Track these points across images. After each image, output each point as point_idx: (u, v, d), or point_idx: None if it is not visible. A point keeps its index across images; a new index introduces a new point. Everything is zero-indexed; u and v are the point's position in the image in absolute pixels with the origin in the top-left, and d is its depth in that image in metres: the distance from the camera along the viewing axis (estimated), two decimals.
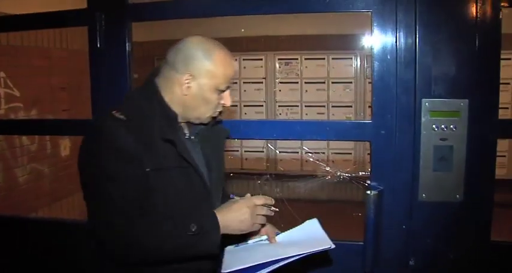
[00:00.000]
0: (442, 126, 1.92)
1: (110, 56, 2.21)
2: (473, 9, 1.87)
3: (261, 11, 2.12)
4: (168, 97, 1.66)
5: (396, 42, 1.94)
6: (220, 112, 1.76)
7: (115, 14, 2.22)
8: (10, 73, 4.54)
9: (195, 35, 1.69)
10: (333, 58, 6.33)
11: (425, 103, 1.93)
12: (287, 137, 2.17)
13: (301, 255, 1.61)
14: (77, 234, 2.13)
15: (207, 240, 1.57)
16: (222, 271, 1.60)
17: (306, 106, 6.51)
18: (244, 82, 6.64)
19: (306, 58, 6.44)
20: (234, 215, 1.63)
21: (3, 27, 2.77)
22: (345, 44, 5.87)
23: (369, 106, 5.58)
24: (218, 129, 1.87)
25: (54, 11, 2.35)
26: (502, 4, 1.86)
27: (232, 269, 1.58)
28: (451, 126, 1.91)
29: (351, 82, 6.32)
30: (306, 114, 6.49)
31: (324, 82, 6.41)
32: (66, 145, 5.22)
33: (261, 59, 6.58)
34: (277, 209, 1.71)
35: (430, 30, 1.91)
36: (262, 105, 6.64)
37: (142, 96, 1.66)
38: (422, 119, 1.93)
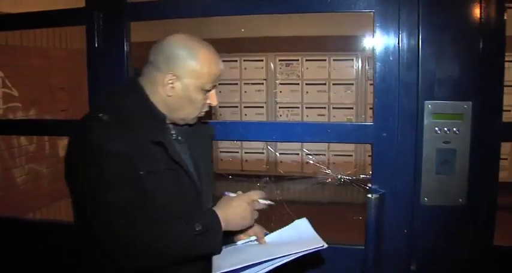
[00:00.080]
0: (445, 129, 1.89)
1: (108, 56, 2.18)
2: (477, 10, 1.84)
3: (261, 11, 2.09)
4: (152, 98, 1.62)
5: (399, 43, 1.91)
6: (211, 111, 1.73)
7: (113, 13, 2.19)
8: (9, 73, 4.53)
9: (178, 33, 1.65)
10: (334, 60, 6.31)
11: (428, 105, 1.90)
12: (287, 139, 2.14)
13: (293, 255, 1.58)
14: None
15: (211, 239, 1.57)
16: None
17: (306, 107, 6.49)
18: (244, 83, 6.63)
19: (307, 60, 6.42)
20: (235, 211, 1.63)
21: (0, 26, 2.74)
22: (346, 45, 5.85)
23: (370, 108, 5.55)
24: (203, 128, 1.85)
25: (51, 10, 2.32)
26: (507, 5, 1.83)
27: (223, 271, 1.55)
28: (454, 129, 1.88)
29: (352, 84, 6.29)
30: (307, 116, 6.46)
31: (325, 84, 6.39)
32: (64, 146, 5.18)
33: (262, 60, 6.56)
34: (273, 203, 1.70)
35: (433, 31, 1.89)
36: (262, 106, 6.62)
37: (129, 97, 1.62)
38: (425, 121, 1.90)
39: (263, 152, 6.39)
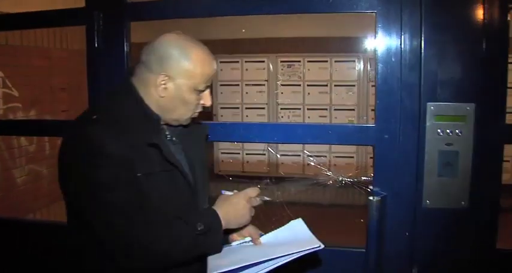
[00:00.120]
0: (448, 131, 1.87)
1: (108, 56, 2.16)
2: (480, 11, 1.82)
3: (261, 11, 2.07)
4: (145, 99, 1.60)
5: (401, 44, 1.89)
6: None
7: (113, 13, 2.17)
8: (9, 73, 4.53)
9: (170, 32, 1.62)
10: (335, 61, 6.32)
11: (431, 107, 1.88)
12: (288, 141, 2.12)
13: (289, 256, 1.56)
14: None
15: (213, 239, 1.57)
16: None
17: (308, 109, 6.49)
18: (246, 85, 6.63)
19: (308, 61, 6.43)
20: (234, 209, 1.64)
21: None
22: (348, 46, 5.85)
23: (372, 110, 5.55)
24: (198, 128, 1.83)
25: (51, 10, 2.30)
26: (510, 5, 1.81)
27: (218, 272, 1.52)
28: (457, 131, 1.86)
29: (353, 85, 6.29)
30: (308, 117, 6.46)
31: (326, 85, 6.40)
32: None
33: (263, 61, 6.56)
34: (269, 198, 1.69)
35: (435, 32, 1.87)
36: (264, 108, 6.62)
37: (123, 98, 1.60)
38: (427, 123, 1.88)
39: (264, 154, 6.38)
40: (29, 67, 4.77)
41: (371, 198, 1.91)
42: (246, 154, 6.61)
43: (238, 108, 6.70)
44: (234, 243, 1.75)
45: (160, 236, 1.47)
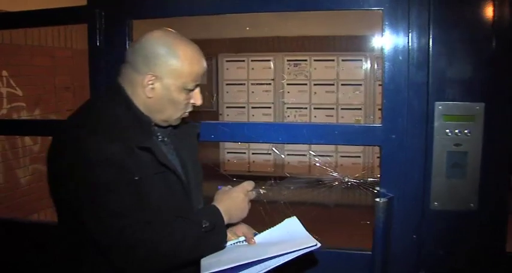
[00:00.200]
0: (456, 131, 1.83)
1: (110, 55, 2.13)
2: (490, 9, 1.79)
3: (267, 9, 2.04)
4: (133, 100, 1.56)
5: (408, 42, 1.85)
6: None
7: (115, 11, 2.14)
8: (13, 72, 4.54)
9: (156, 30, 1.58)
10: (342, 60, 6.28)
11: (439, 106, 1.84)
12: (293, 141, 2.08)
13: (284, 256, 1.52)
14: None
15: (218, 236, 1.57)
16: None
17: (314, 108, 6.46)
18: (252, 84, 6.61)
19: (315, 60, 6.40)
20: (235, 204, 1.64)
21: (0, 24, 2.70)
22: (355, 45, 5.82)
23: (379, 109, 5.51)
24: (189, 127, 1.80)
25: (52, 8, 2.29)
26: None
27: (211, 271, 1.48)
28: (466, 131, 1.82)
29: (360, 85, 6.26)
30: (315, 116, 6.44)
31: (333, 84, 6.37)
32: None
33: (270, 60, 6.53)
34: (264, 191, 1.68)
35: (444, 29, 1.83)
36: (270, 107, 6.61)
37: (112, 100, 1.56)
38: (435, 123, 1.85)
39: (270, 153, 6.36)
40: (33, 67, 4.78)
41: (378, 200, 1.88)
42: (252, 153, 6.59)
43: (244, 107, 6.68)
44: (228, 243, 1.70)
45: (166, 237, 1.45)
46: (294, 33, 6.05)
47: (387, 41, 1.88)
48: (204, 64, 1.59)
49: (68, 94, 5.16)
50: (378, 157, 5.09)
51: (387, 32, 1.87)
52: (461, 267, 1.90)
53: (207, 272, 1.49)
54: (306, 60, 6.43)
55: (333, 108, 6.41)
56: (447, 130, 1.84)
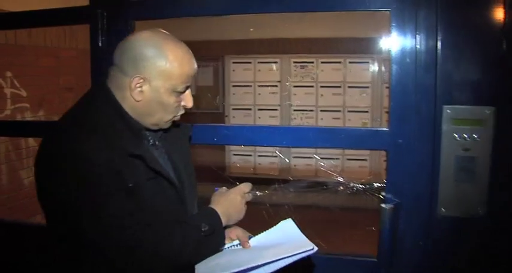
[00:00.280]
0: (465, 135, 1.79)
1: (112, 55, 2.10)
2: (500, 10, 1.74)
3: (271, 10, 2.03)
4: (122, 104, 1.52)
5: (416, 44, 1.81)
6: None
7: (117, 11, 2.12)
8: (17, 73, 4.54)
9: (145, 30, 1.54)
10: (349, 62, 6.26)
11: (447, 110, 1.80)
12: (298, 144, 2.05)
13: (282, 260, 1.47)
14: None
15: (217, 238, 1.56)
16: None
17: (321, 110, 6.44)
18: (258, 86, 6.60)
19: (322, 62, 6.38)
20: (233, 206, 1.64)
21: (0, 25, 2.69)
22: (362, 47, 5.79)
23: (386, 112, 5.48)
24: (180, 129, 1.76)
25: (55, 9, 2.27)
26: None
27: None
28: (475, 135, 1.78)
29: (367, 87, 6.23)
30: (321, 119, 6.43)
31: (340, 87, 6.34)
32: None
33: (276, 62, 6.52)
34: (261, 193, 1.65)
35: (452, 31, 1.79)
36: (276, 109, 6.59)
37: (101, 104, 1.51)
38: (443, 127, 1.80)
39: (276, 156, 6.34)
40: (37, 67, 4.79)
41: (383, 205, 1.84)
42: (259, 155, 6.57)
43: (250, 109, 6.67)
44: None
45: (166, 238, 1.43)
46: (300, 35, 6.04)
47: (394, 42, 1.84)
48: (195, 65, 1.55)
49: (71, 95, 5.15)
50: (384, 161, 5.07)
51: (394, 34, 1.84)
52: None
53: None
54: (312, 62, 6.42)
55: (339, 111, 6.39)
56: (455, 135, 1.80)
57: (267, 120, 6.58)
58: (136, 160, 1.44)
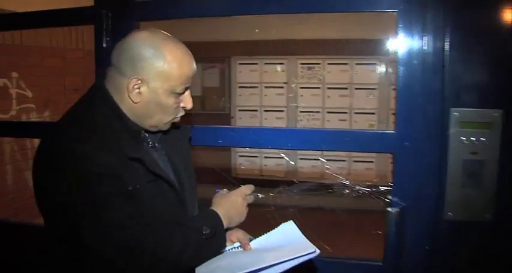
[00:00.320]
0: (472, 138, 1.77)
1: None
2: (510, 11, 1.72)
3: (278, 11, 2.01)
4: (120, 106, 1.49)
5: (423, 45, 1.79)
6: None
7: (122, 12, 2.11)
8: (23, 73, 4.53)
9: (143, 30, 1.52)
10: (356, 64, 6.23)
11: (454, 113, 1.77)
12: (303, 147, 2.03)
13: (284, 263, 1.45)
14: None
15: (218, 240, 1.55)
16: None
17: (328, 112, 6.42)
18: (265, 87, 6.59)
19: (329, 63, 6.36)
20: (234, 207, 1.62)
21: (4, 26, 2.66)
22: (369, 48, 5.76)
23: (393, 114, 5.45)
24: (180, 130, 1.74)
25: (59, 9, 2.26)
26: None
27: None
28: (483, 139, 1.76)
29: (374, 89, 6.21)
30: (328, 121, 6.41)
31: (346, 88, 6.32)
32: None
33: (283, 63, 6.51)
34: (263, 195, 1.64)
35: (461, 32, 1.76)
36: (283, 110, 6.57)
37: (99, 106, 1.49)
38: (451, 130, 1.78)
39: (282, 157, 6.32)
40: (43, 68, 4.79)
41: (389, 209, 1.82)
42: (265, 157, 6.55)
43: (256, 110, 6.65)
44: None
45: (167, 239, 1.42)
46: (307, 37, 6.02)
47: (401, 44, 1.82)
48: (194, 66, 1.53)
49: (77, 96, 5.15)
50: (391, 162, 5.03)
51: (401, 35, 1.81)
52: None
53: None
54: (319, 64, 6.40)
55: (346, 112, 6.38)
56: (463, 138, 1.77)
57: (273, 121, 6.56)
58: (136, 163, 1.43)
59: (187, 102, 1.54)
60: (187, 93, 1.54)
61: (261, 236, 1.69)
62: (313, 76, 6.44)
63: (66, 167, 1.36)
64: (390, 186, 1.89)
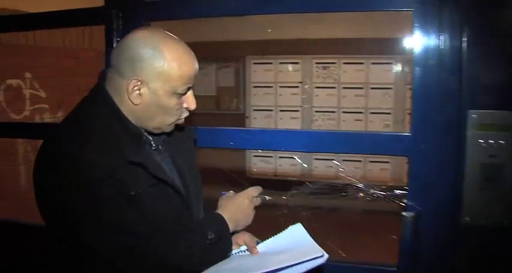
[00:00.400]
0: (491, 141, 1.72)
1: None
2: None
3: (293, 10, 2.00)
4: (120, 108, 1.46)
5: (440, 44, 1.74)
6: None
7: (132, 12, 2.09)
8: (36, 74, 4.55)
9: (142, 29, 1.48)
10: (372, 63, 6.18)
11: (472, 115, 1.73)
12: (316, 149, 2.01)
13: (292, 268, 1.41)
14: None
15: (223, 245, 1.52)
16: None
17: (343, 112, 6.38)
18: (280, 87, 6.56)
19: (344, 63, 6.32)
20: (241, 210, 1.60)
21: (18, 26, 2.68)
22: (384, 48, 5.70)
23: (409, 114, 5.39)
24: (184, 132, 1.70)
25: (70, 9, 2.25)
26: None
27: None
28: (501, 141, 1.71)
29: (390, 88, 6.15)
30: (343, 121, 6.38)
31: (362, 88, 6.28)
32: None
33: (298, 63, 6.48)
34: (271, 197, 1.60)
35: (478, 32, 1.72)
36: (298, 110, 6.54)
37: (99, 109, 1.46)
38: (468, 133, 1.73)
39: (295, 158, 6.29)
40: (56, 68, 4.82)
41: (405, 213, 1.79)
42: (280, 157, 6.53)
43: (271, 110, 6.63)
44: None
45: (171, 247, 1.40)
46: (322, 36, 5.98)
47: (417, 43, 1.78)
48: (195, 65, 1.49)
49: None
50: (406, 163, 4.99)
51: (417, 34, 1.77)
52: None
53: None
54: (334, 63, 6.36)
55: (362, 112, 6.33)
56: (481, 141, 1.73)
57: (288, 121, 6.54)
58: (138, 167, 1.40)
59: (190, 102, 1.51)
60: (189, 93, 1.50)
61: (268, 239, 1.66)
62: (329, 75, 6.40)
63: (66, 168, 1.34)
64: (405, 189, 1.85)
